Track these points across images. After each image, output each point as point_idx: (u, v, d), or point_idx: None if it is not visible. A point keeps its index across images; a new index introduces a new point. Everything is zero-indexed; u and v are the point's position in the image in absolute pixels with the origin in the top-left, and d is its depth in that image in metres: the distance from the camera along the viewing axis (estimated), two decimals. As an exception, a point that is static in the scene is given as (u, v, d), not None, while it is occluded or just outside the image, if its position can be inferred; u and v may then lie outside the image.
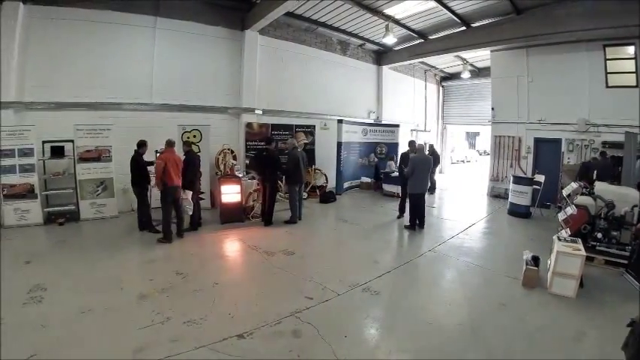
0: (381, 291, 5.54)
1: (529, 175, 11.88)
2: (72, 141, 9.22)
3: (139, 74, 10.50)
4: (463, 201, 13.36)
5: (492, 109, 13.91)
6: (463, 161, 30.28)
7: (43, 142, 9.12)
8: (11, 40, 8.86)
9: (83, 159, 9.30)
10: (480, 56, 16.20)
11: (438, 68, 19.32)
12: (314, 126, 13.58)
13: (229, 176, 9.70)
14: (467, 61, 17.44)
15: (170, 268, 6.29)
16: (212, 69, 11.67)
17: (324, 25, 13.44)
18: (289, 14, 11.99)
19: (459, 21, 12.56)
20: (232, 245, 7.90)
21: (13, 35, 8.88)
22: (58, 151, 9.19)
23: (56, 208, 9.18)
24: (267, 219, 9.28)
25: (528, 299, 5.46)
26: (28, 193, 8.77)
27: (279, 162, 9.64)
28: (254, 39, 12.13)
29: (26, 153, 8.77)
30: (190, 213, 8.40)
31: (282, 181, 10.60)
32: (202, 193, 9.38)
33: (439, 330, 4.50)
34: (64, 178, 9.28)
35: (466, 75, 18.08)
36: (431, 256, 7.24)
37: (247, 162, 11.86)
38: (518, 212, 10.73)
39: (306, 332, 4.31)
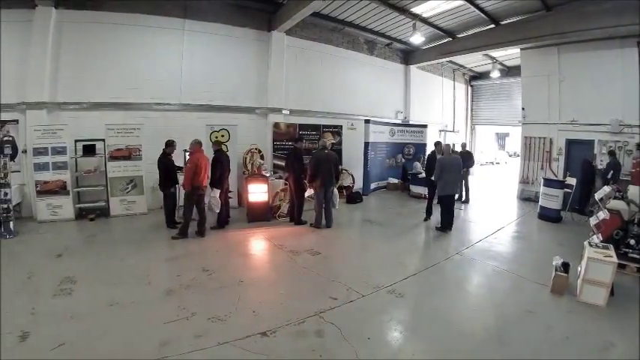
0: (405, 293, 5.37)
1: (560, 177, 11.30)
2: (103, 140, 9.44)
3: (168, 75, 10.65)
4: (492, 204, 12.81)
5: (523, 109, 13.32)
6: (492, 163, 29.39)
7: (76, 141, 9.39)
8: (44, 44, 9.17)
9: (114, 157, 9.46)
10: (510, 55, 15.64)
11: (466, 67, 18.83)
12: (341, 126, 13.38)
13: (256, 176, 9.62)
14: (496, 60, 16.95)
15: (196, 265, 6.28)
16: (240, 69, 11.67)
17: (350, 24, 13.24)
18: (315, 14, 11.81)
19: (487, 18, 12.16)
20: (258, 244, 7.84)
21: (46, 39, 9.19)
22: (89, 150, 9.44)
23: (87, 205, 9.43)
24: (296, 218, 9.15)
25: (557, 307, 5.16)
26: (60, 189, 8.98)
27: (303, 161, 9.43)
28: (281, 40, 12.06)
29: (59, 151, 9.00)
30: (217, 211, 8.35)
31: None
32: (231, 192, 9.34)
33: (464, 335, 4.32)
34: (95, 175, 9.55)
35: (495, 74, 17.53)
36: (458, 260, 6.95)
37: (274, 162, 11.85)
38: (548, 216, 10.14)
39: (329, 332, 4.23)
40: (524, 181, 13.31)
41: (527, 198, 12.97)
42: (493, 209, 11.71)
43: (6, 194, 7.73)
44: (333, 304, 4.91)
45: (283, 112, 12.29)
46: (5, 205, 7.69)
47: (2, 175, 7.73)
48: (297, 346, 3.94)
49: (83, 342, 3.92)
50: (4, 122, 9.11)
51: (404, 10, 11.96)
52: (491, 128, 21.31)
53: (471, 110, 20.56)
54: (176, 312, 4.60)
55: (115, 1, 9.81)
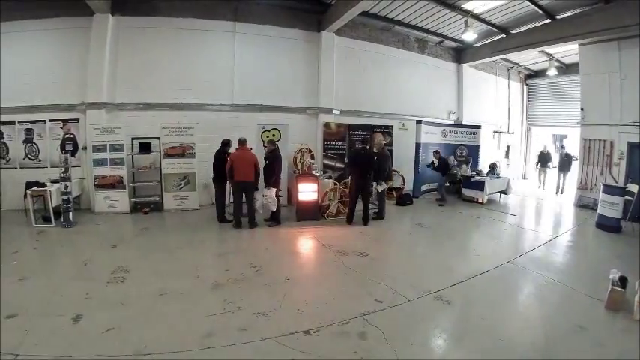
0: (453, 300, 5.01)
1: (621, 184, 10.06)
2: (158, 138, 9.70)
3: (220, 76, 10.78)
4: (547, 210, 11.85)
5: (581, 109, 12.10)
6: (549, 166, 27.60)
7: (132, 139, 9.74)
8: (102, 48, 9.63)
9: (168, 155, 9.68)
10: (567, 51, 14.30)
11: (521, 65, 17.57)
12: (392, 127, 12.84)
13: (307, 175, 9.49)
14: (553, 57, 15.71)
15: (245, 261, 6.26)
16: (290, 70, 11.56)
17: (400, 23, 12.74)
18: (365, 14, 11.45)
19: (542, 13, 11.27)
20: (306, 242, 7.71)
21: (104, 44, 9.64)
22: (145, 147, 9.68)
23: (142, 199, 9.83)
24: (365, 218, 8.88)
25: (610, 324, 4.56)
26: (117, 184, 9.39)
27: (375, 162, 9.13)
28: (330, 40, 11.82)
29: (117, 148, 9.38)
30: (274, 209, 8.41)
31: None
32: (281, 190, 9.18)
33: (510, 347, 3.93)
34: (150, 171, 9.86)
35: (552, 72, 16.12)
36: (509, 268, 6.34)
37: (324, 162, 11.62)
38: (607, 225, 8.97)
39: (372, 335, 4.05)
40: (582, 187, 12.06)
41: (584, 205, 11.65)
42: (548, 216, 10.82)
43: (67, 187, 8.10)
44: (378, 306, 4.71)
45: (334, 112, 12.00)
46: (66, 198, 8.10)
47: (64, 169, 8.09)
48: (339, 347, 3.82)
49: (131, 327, 4.01)
50: (66, 121, 9.63)
51: (455, 7, 11.35)
52: (548, 130, 19.89)
53: (527, 111, 19.20)
54: (222, 305, 4.60)
55: (167, 2, 10.12)
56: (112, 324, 4.03)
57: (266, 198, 8.22)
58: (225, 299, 4.74)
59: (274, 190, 8.28)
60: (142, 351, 3.60)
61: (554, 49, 14.23)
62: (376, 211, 9.44)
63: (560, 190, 14.38)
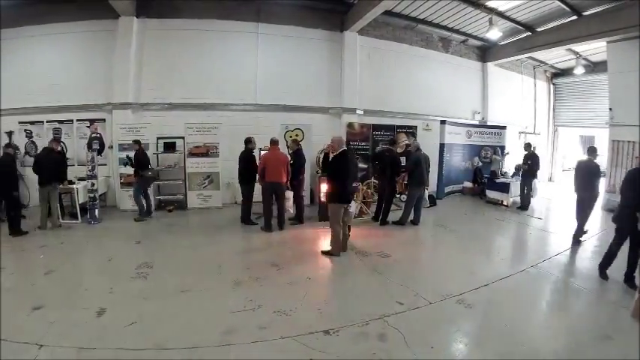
0: (474, 304, 4.81)
1: None
2: (183, 137, 9.74)
3: (244, 77, 10.78)
4: (574, 214, 11.38)
5: (610, 109, 11.61)
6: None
7: (157, 138, 9.85)
8: (128, 50, 9.83)
9: (192, 154, 9.73)
10: (595, 48, 13.67)
11: (548, 64, 16.93)
12: (416, 127, 12.52)
13: (330, 175, 9.28)
14: (580, 55, 15.13)
15: (266, 259, 6.21)
16: (313, 70, 11.44)
17: (423, 21, 12.46)
18: (387, 13, 11.23)
19: (568, 10, 10.81)
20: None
21: (130, 45, 9.83)
22: (170, 147, 9.74)
23: (166, 197, 9.93)
24: (382, 219, 8.66)
25: (637, 333, 4.19)
26: None
27: (400, 164, 8.99)
28: (353, 39, 11.64)
29: None
30: (292, 211, 8.45)
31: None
32: (304, 190, 9.18)
33: (531, 355, 3.75)
34: (174, 170, 9.91)
35: (579, 70, 15.49)
36: (533, 273, 6.02)
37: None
38: None
39: (392, 337, 3.94)
40: (610, 190, 11.48)
41: (613, 209, 11.18)
42: (574, 220, 10.33)
43: (93, 185, 8.29)
44: (399, 308, 4.58)
45: (357, 112, 11.79)
46: (92, 195, 8.29)
47: (90, 167, 8.27)
48: (359, 348, 3.73)
49: (153, 322, 4.05)
50: (93, 121, 9.79)
51: (479, 5, 11.01)
52: (575, 130, 19.21)
53: (553, 110, 18.58)
54: (243, 303, 4.56)
55: (190, 4, 10.22)
56: (135, 318, 4.07)
57: (288, 201, 8.20)
58: (246, 297, 4.69)
59: (292, 193, 8.27)
60: (163, 345, 3.61)
61: (582, 47, 13.65)
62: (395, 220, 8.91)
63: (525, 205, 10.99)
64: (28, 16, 9.78)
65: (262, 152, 8.65)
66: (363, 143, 11.54)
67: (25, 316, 4.10)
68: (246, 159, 8.34)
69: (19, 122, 9.93)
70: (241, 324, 4.03)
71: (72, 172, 9.11)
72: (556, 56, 15.55)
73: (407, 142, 11.75)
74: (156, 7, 10.08)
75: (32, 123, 9.90)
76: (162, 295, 4.73)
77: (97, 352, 3.49)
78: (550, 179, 18.25)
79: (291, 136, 10.10)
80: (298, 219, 8.52)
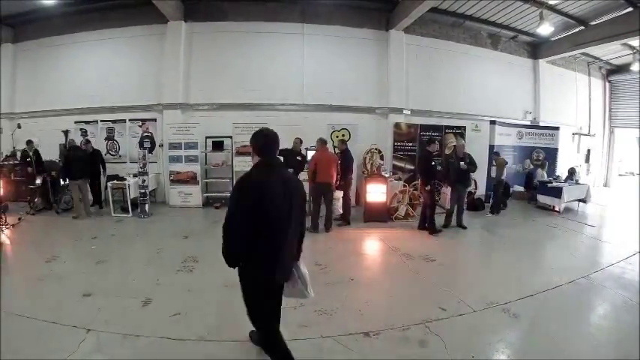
0: (520, 314, 4.48)
1: None
2: (230, 137, 9.77)
3: (290, 77, 10.69)
4: (630, 222, 9.95)
5: None
6: (633, 173, 24.76)
7: (206, 137, 9.93)
8: (177, 53, 10.07)
9: (240, 153, 9.65)
10: None
11: (603, 60, 15.63)
12: (464, 127, 11.90)
13: (376, 176, 9.00)
14: (637, 50, 14.03)
15: (310, 259, 5.88)
16: (359, 70, 11.10)
17: (471, 18, 11.88)
18: (434, 10, 10.68)
19: (623, 1, 10.00)
20: (373, 244, 7.42)
21: (179, 48, 10.06)
22: (218, 146, 9.82)
23: (214, 194, 10.03)
24: (431, 227, 7.84)
25: None
26: (191, 179, 9.65)
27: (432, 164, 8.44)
28: (399, 38, 11.18)
29: (191, 146, 9.64)
30: (340, 211, 8.29)
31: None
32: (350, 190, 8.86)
33: None
34: (222, 168, 10.06)
35: (637, 67, 14.25)
36: (584, 284, 5.45)
37: (394, 163, 11.06)
38: None
39: (433, 343, 3.77)
40: None
41: None
42: (631, 229, 9.37)
43: (144, 181, 8.53)
44: (442, 314, 4.39)
45: (404, 112, 11.29)
46: (143, 190, 8.54)
47: (141, 165, 8.52)
48: (398, 352, 3.61)
49: (196, 314, 4.10)
50: (145, 120, 10.16)
51: (528, -1, 10.36)
52: (633, 132, 17.86)
53: (609, 110, 17.26)
54: (285, 300, 4.21)
55: (236, 7, 10.29)
56: (179, 309, 4.13)
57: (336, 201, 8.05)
58: (288, 294, 4.52)
59: (342, 192, 8.14)
60: (204, 337, 3.66)
61: (639, 42, 12.70)
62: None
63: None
64: (83, 22, 10.35)
65: (309, 152, 8.69)
66: (410, 144, 11.09)
67: (76, 302, 4.23)
68: (291, 161, 8.30)
69: (75, 122, 10.36)
70: (282, 321, 3.70)
71: (124, 169, 9.56)
72: (611, 52, 14.42)
73: (454, 143, 11.22)
74: (203, 10, 10.20)
75: (87, 122, 10.30)
76: (206, 289, 4.76)
77: (140, 339, 3.56)
78: (605, 184, 16.97)
79: (337, 137, 9.86)
80: (345, 220, 8.27)
